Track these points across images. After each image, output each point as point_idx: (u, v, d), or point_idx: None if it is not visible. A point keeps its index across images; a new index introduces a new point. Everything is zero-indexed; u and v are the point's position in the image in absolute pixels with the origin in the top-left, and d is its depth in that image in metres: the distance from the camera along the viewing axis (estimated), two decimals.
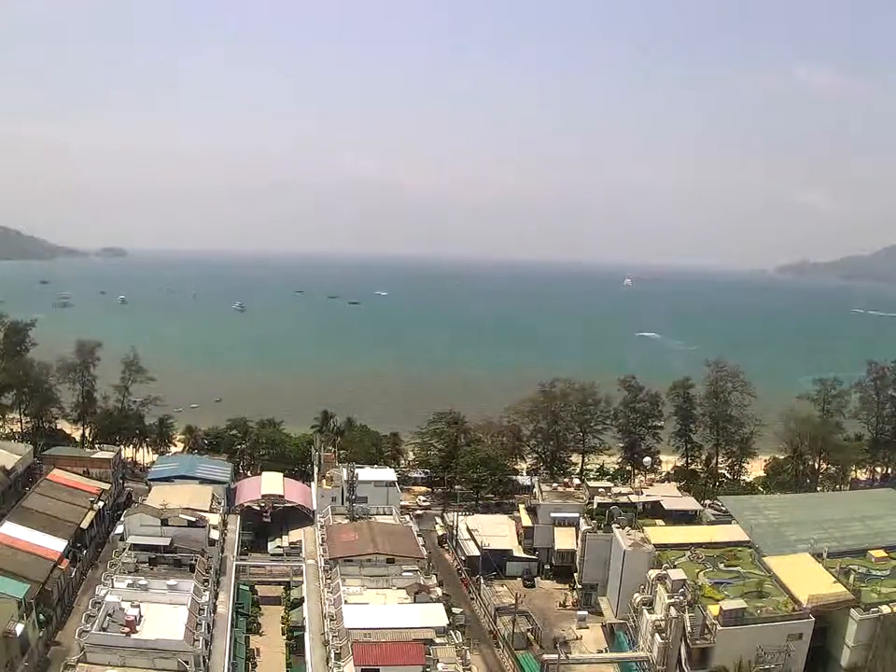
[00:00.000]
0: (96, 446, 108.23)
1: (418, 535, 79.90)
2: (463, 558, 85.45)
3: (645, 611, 63.49)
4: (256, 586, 75.99)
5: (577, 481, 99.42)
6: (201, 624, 57.62)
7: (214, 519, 77.12)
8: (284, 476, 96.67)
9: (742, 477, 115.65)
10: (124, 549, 68.80)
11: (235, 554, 76.16)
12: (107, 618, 55.36)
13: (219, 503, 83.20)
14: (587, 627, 71.83)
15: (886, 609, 57.06)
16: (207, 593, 63.25)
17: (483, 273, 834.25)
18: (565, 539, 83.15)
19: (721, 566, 65.20)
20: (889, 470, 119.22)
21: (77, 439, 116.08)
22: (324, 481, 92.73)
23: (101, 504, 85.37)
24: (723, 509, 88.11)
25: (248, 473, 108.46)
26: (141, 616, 55.98)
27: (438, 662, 53.95)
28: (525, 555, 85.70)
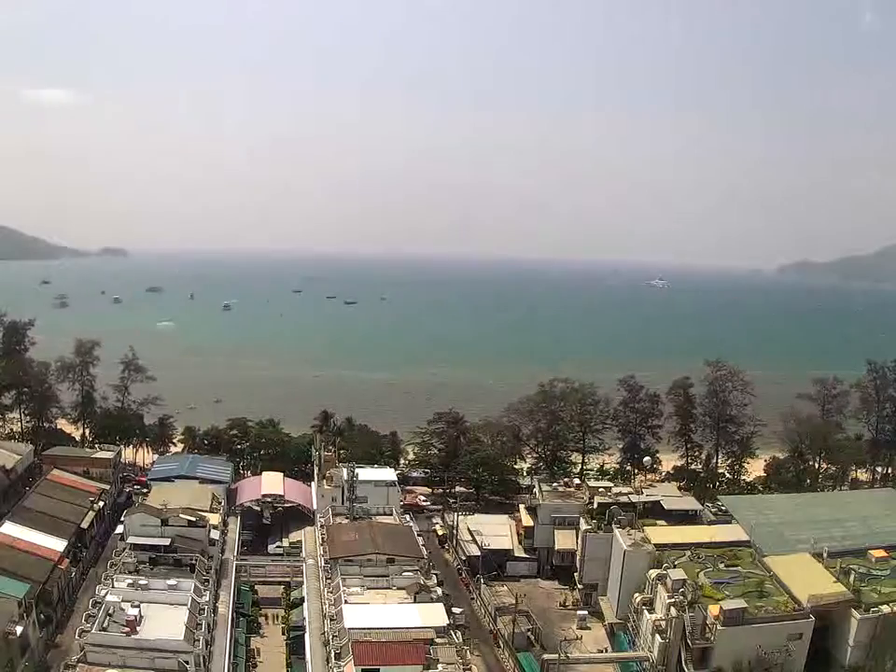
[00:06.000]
0: (96, 446, 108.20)
1: (418, 535, 79.95)
2: (463, 558, 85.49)
3: (645, 611, 63.56)
4: (256, 586, 75.95)
5: (577, 481, 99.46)
6: (201, 624, 57.61)
7: (214, 519, 77.08)
8: (284, 476, 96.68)
9: (742, 477, 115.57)
10: (124, 549, 68.79)
11: (235, 554, 76.15)
12: (107, 618, 55.37)
13: (219, 503, 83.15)
14: (588, 627, 71.86)
15: (886, 609, 57.16)
16: (207, 593, 63.24)
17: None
18: (565, 539, 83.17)
19: (721, 565, 65.22)
20: (889, 470, 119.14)
21: (77, 439, 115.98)
22: (324, 481, 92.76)
23: (101, 504, 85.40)
24: (724, 508, 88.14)
25: (248, 473, 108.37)
26: (141, 616, 55.93)
27: (438, 662, 53.89)
28: (526, 555, 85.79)
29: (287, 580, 76.07)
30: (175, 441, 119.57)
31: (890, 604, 57.68)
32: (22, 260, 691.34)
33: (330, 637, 58.12)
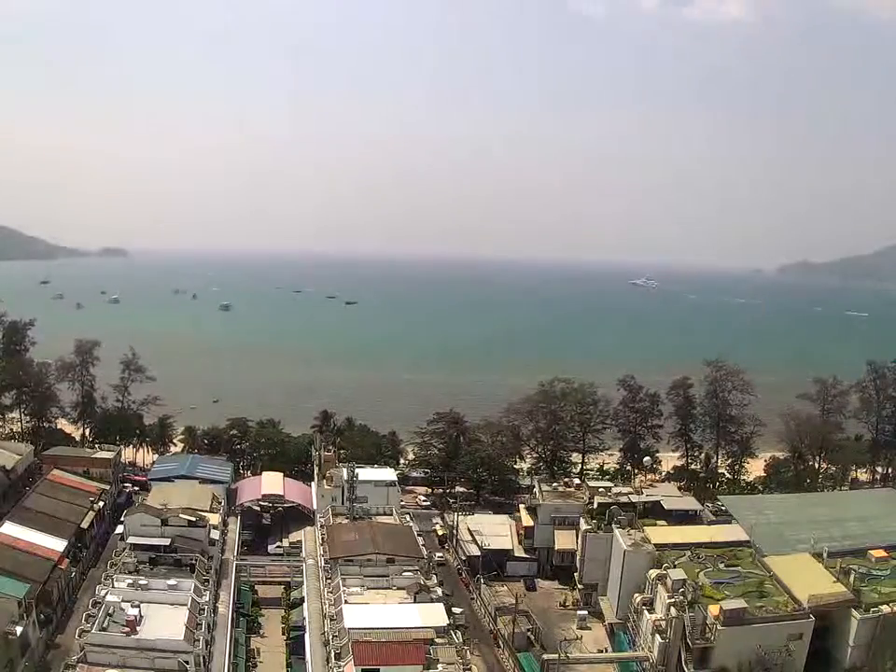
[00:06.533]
0: (96, 446, 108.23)
1: (418, 535, 79.93)
2: (463, 558, 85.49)
3: (645, 611, 63.54)
4: (256, 586, 76.02)
5: (577, 481, 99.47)
6: (201, 624, 57.62)
7: (214, 519, 77.09)
8: (284, 476, 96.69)
9: (742, 477, 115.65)
10: (124, 549, 68.80)
11: (235, 554, 76.16)
12: (107, 618, 55.39)
13: (219, 503, 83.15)
14: (588, 627, 71.87)
15: (886, 609, 57.16)
16: (207, 593, 63.23)
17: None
18: (565, 539, 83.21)
19: (721, 566, 65.22)
20: (889, 470, 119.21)
21: (77, 439, 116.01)
22: (324, 481, 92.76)
23: (101, 504, 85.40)
24: (724, 508, 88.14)
25: (248, 473, 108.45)
26: (141, 616, 55.97)
27: (438, 662, 53.92)
28: (526, 555, 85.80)
29: (287, 580, 76.12)
30: (175, 441, 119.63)
31: (890, 604, 57.67)
32: (22, 260, 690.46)
33: (330, 636, 58.12)
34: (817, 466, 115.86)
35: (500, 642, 68.75)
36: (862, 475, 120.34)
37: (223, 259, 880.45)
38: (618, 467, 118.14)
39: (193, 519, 72.54)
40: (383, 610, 61.17)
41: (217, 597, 65.36)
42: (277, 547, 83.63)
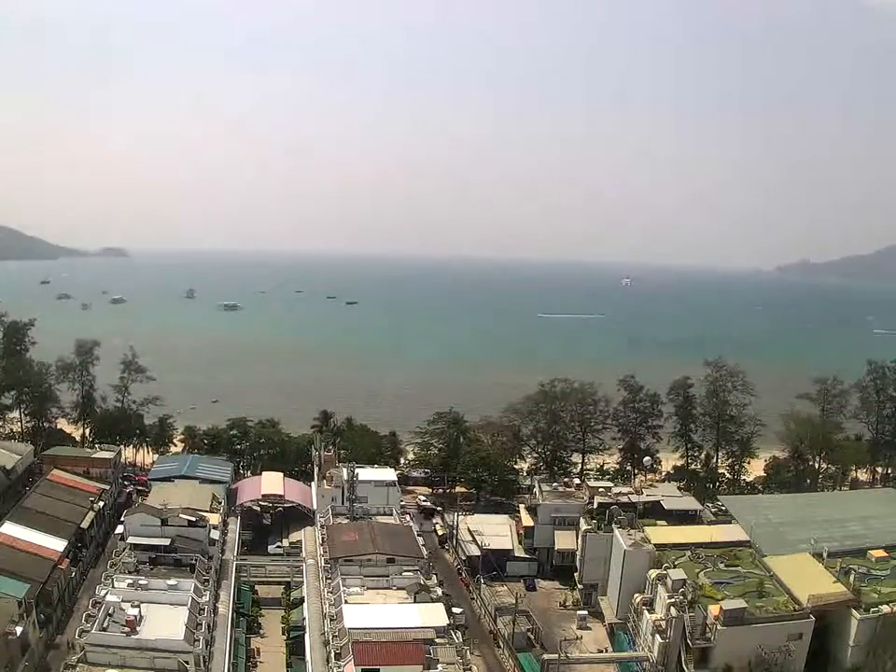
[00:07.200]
0: (96, 446, 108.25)
1: (418, 535, 79.97)
2: (463, 558, 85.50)
3: (645, 611, 63.54)
4: (256, 586, 75.98)
5: (577, 481, 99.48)
6: (201, 624, 57.63)
7: (214, 519, 77.13)
8: (284, 476, 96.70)
9: (742, 477, 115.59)
10: (124, 549, 68.83)
11: (235, 554, 76.16)
12: (107, 618, 55.40)
13: (219, 503, 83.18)
14: (588, 627, 71.87)
15: (886, 609, 57.19)
16: (207, 593, 63.25)
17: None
18: (565, 539, 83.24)
19: (722, 566, 65.31)
20: (889, 470, 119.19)
21: (77, 439, 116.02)
22: (324, 481, 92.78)
23: (101, 504, 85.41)
24: (724, 508, 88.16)
25: (248, 473, 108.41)
26: (141, 616, 55.98)
27: (438, 662, 53.91)
28: (526, 555, 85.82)
29: (287, 580, 76.11)
30: (175, 441, 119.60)
31: (890, 604, 57.72)
32: (22, 260, 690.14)
33: (330, 636, 58.13)
34: (817, 466, 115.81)
35: (500, 642, 68.75)
36: (862, 475, 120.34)
37: (224, 260, 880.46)
38: (618, 467, 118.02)
39: (193, 519, 72.59)
40: (383, 610, 61.19)
41: (217, 597, 65.34)
42: (277, 547, 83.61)
